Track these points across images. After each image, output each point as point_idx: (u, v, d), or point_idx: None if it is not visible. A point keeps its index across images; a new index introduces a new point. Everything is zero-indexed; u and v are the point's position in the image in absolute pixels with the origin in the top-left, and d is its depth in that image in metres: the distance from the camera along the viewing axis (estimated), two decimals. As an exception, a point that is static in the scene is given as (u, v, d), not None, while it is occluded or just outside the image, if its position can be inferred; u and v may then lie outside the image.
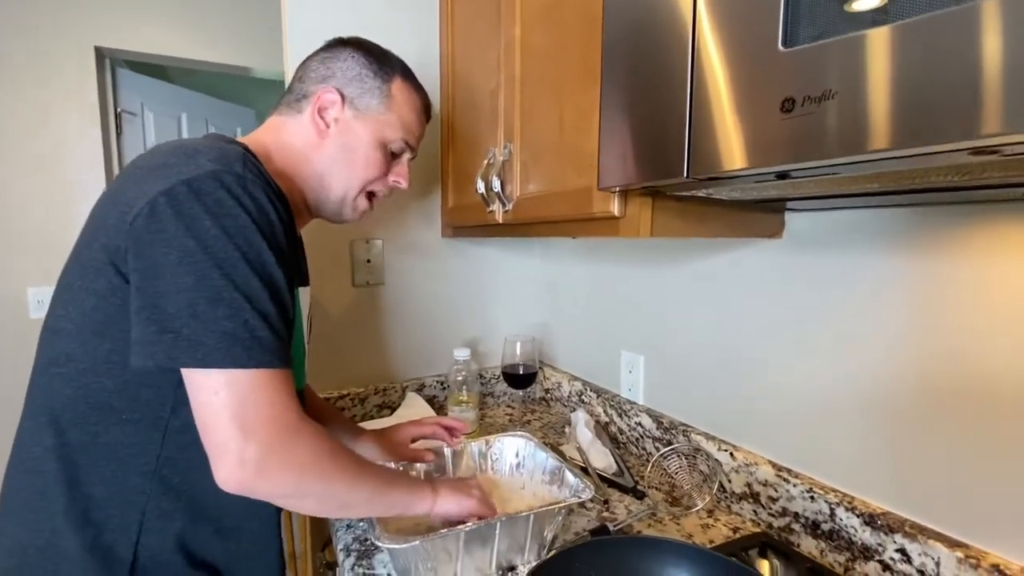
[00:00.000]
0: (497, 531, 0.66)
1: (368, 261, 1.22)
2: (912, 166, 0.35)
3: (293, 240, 0.66)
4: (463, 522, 0.65)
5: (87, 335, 0.53)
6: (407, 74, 0.74)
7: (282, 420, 0.50)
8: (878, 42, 0.32)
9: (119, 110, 2.24)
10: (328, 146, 0.69)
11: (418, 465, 0.86)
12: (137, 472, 0.54)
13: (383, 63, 0.71)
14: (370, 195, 0.75)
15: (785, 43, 0.38)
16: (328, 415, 0.89)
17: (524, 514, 0.66)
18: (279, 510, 0.67)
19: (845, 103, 0.34)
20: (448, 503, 0.67)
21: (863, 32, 0.33)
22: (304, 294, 0.71)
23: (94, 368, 0.53)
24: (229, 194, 0.51)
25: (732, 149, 0.43)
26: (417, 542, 0.60)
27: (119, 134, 2.23)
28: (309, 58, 0.72)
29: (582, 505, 0.86)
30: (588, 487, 0.72)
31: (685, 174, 0.47)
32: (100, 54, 2.16)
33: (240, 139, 0.64)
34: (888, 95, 0.32)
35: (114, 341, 0.52)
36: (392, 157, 0.74)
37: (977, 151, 0.31)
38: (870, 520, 0.67)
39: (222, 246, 0.49)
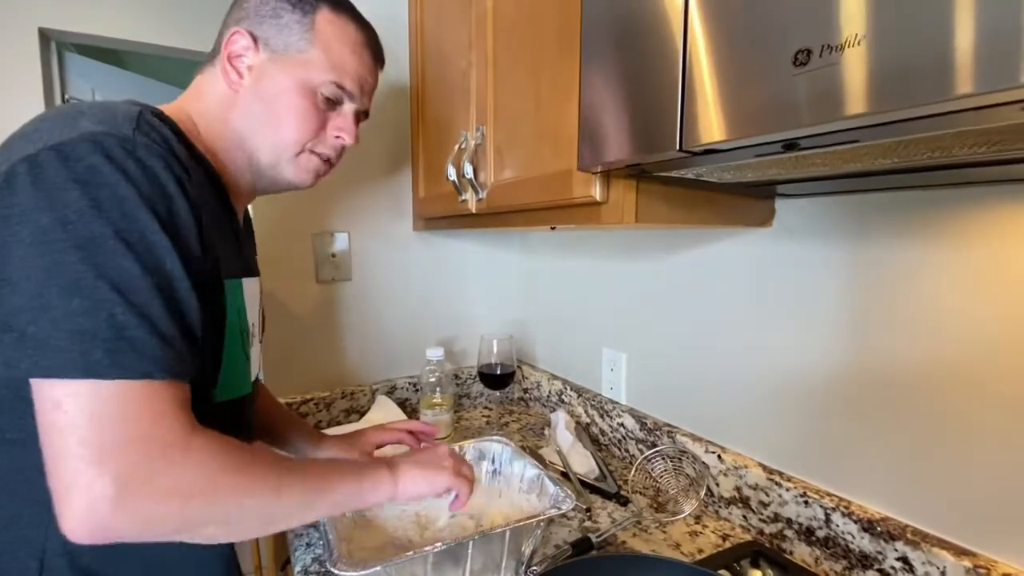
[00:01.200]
0: (470, 550, 0.59)
1: (333, 256, 1.14)
2: (947, 127, 0.30)
3: (229, 223, 0.57)
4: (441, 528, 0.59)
5: None
6: (339, 4, 0.59)
7: (153, 439, 0.39)
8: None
9: (67, 97, 2.10)
10: (243, 100, 0.56)
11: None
12: (29, 501, 0.45)
13: None
14: (311, 152, 0.61)
15: (797, -15, 0.32)
16: (284, 422, 0.81)
17: (499, 530, 0.60)
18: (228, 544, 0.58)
19: (875, 49, 0.28)
20: (415, 483, 0.58)
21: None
22: (250, 287, 0.62)
23: None
24: (108, 159, 0.40)
25: (732, 116, 0.37)
26: (378, 567, 0.53)
27: (67, 122, 2.09)
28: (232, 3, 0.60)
29: (563, 515, 0.80)
30: (569, 497, 0.66)
31: (678, 146, 0.41)
32: (44, 36, 2.01)
33: (161, 107, 0.53)
34: (936, 36, 0.26)
35: None
36: (330, 106, 0.60)
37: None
38: (868, 526, 0.63)
39: (87, 222, 0.39)
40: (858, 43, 0.29)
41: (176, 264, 0.43)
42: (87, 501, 0.37)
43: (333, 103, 0.60)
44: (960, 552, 0.56)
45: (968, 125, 0.29)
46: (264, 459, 0.47)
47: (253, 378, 0.63)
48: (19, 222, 0.39)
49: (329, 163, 0.63)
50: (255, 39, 0.56)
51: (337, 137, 0.61)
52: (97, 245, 0.39)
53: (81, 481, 0.37)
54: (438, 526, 0.70)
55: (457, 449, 0.83)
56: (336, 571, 0.53)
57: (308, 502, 0.49)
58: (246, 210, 0.68)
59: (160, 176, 0.43)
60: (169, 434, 0.40)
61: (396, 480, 0.57)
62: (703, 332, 0.86)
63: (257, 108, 0.56)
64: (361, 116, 0.64)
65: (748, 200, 0.71)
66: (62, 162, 0.40)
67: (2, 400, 0.44)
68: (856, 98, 0.29)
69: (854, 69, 0.29)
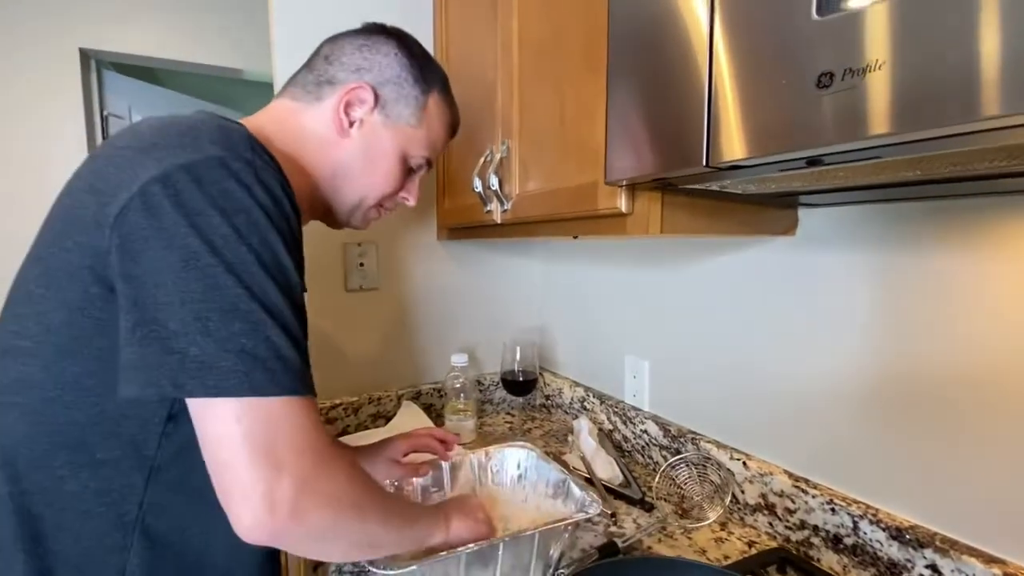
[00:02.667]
0: (500, 552, 0.61)
1: (361, 265, 1.18)
2: (968, 146, 0.31)
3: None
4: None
5: (51, 356, 0.44)
6: (446, 87, 0.67)
7: (316, 448, 0.43)
8: (934, 2, 0.28)
9: (105, 113, 2.20)
10: (348, 147, 0.61)
11: (415, 480, 0.81)
12: (115, 524, 0.46)
13: (426, 70, 0.64)
14: (379, 206, 0.68)
15: (820, 11, 0.34)
16: None
17: (528, 532, 0.62)
18: (275, 561, 0.60)
19: (896, 73, 0.30)
20: (461, 530, 0.61)
21: (916, -7, 0.29)
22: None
23: (61, 397, 0.44)
24: (239, 184, 0.42)
25: (757, 133, 0.39)
26: (415, 567, 0.56)
27: (105, 137, 2.18)
28: (341, 38, 0.63)
29: (589, 520, 0.81)
30: (595, 501, 0.68)
31: (704, 162, 0.43)
32: (85, 56, 2.11)
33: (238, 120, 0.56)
34: (960, 61, 0.27)
35: (86, 363, 0.44)
36: (408, 172, 0.67)
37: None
38: (897, 534, 0.63)
39: (234, 247, 0.41)
40: (879, 67, 0.31)
41: (299, 283, 0.46)
42: (269, 503, 0.39)
43: (413, 171, 0.68)
44: (989, 560, 0.56)
45: (988, 144, 0.30)
46: (374, 482, 0.51)
47: None
48: (166, 245, 0.40)
49: (383, 211, 0.70)
50: (377, 98, 0.61)
51: (404, 197, 0.69)
52: (246, 269, 0.41)
53: (260, 486, 0.39)
54: None
55: (484, 455, 0.85)
56: (375, 569, 0.55)
57: (401, 534, 0.53)
58: None
59: (280, 198, 0.46)
60: (323, 443, 0.44)
61: (448, 526, 0.60)
62: (726, 340, 0.87)
63: (359, 159, 0.61)
64: None
65: (771, 210, 0.72)
66: (197, 185, 0.41)
67: (102, 420, 0.45)
68: (877, 119, 0.31)
69: (875, 92, 0.31)
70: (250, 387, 0.40)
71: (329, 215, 0.67)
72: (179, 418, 0.46)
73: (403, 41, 0.63)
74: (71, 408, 0.44)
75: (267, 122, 0.60)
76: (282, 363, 0.42)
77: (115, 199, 0.42)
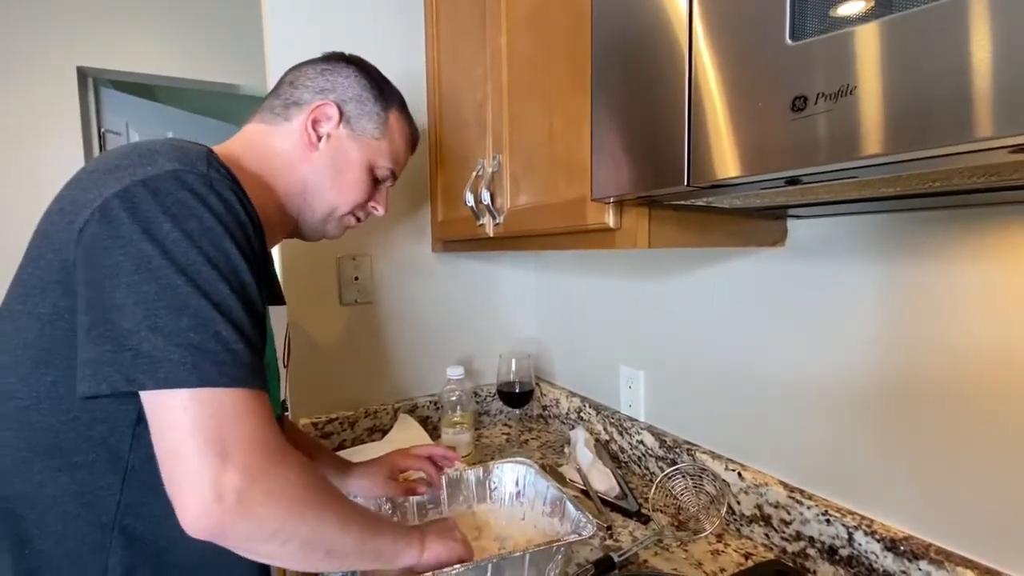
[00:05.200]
0: (489, 573, 0.61)
1: (356, 279, 1.18)
2: (941, 167, 0.32)
3: (264, 254, 0.61)
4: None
5: (27, 367, 0.46)
6: (403, 107, 0.73)
7: (263, 440, 0.43)
8: (903, 29, 0.29)
9: (103, 130, 2.21)
10: (317, 161, 0.65)
11: (412, 498, 0.81)
12: (94, 524, 0.47)
13: (384, 89, 0.70)
14: (351, 214, 0.72)
15: (793, 35, 0.34)
16: (312, 449, 0.83)
17: (518, 554, 0.61)
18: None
19: (867, 98, 0.30)
20: (437, 549, 0.60)
21: (885, 18, 0.29)
22: (277, 314, 0.66)
23: (37, 405, 0.46)
24: (192, 194, 0.45)
25: (736, 155, 0.39)
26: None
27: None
28: (303, 65, 0.68)
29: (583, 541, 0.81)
30: (590, 522, 0.67)
31: (686, 182, 0.43)
32: (82, 73, 2.13)
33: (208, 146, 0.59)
34: (921, 87, 0.28)
35: (59, 371, 0.46)
36: (376, 183, 0.71)
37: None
38: (892, 545, 0.63)
39: (184, 250, 0.43)
40: (851, 92, 0.31)
41: (253, 284, 0.47)
42: (215, 492, 0.40)
43: (379, 181, 0.72)
44: (984, 571, 0.56)
45: (956, 165, 0.31)
46: (332, 486, 0.50)
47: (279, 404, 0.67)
48: (122, 252, 0.42)
49: (359, 222, 0.74)
50: (342, 114, 0.65)
51: (374, 207, 0.73)
52: (196, 270, 0.43)
53: (207, 475, 0.40)
54: None
55: (482, 471, 0.85)
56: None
57: (361, 544, 0.51)
58: None
59: (235, 207, 0.48)
60: (274, 439, 0.44)
61: (423, 546, 0.60)
62: (721, 350, 0.87)
63: (327, 172, 0.65)
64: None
65: (760, 222, 0.72)
66: (152, 196, 0.44)
67: (75, 424, 0.46)
68: (851, 142, 0.31)
69: (848, 116, 0.31)
70: (198, 378, 0.41)
71: (299, 230, 0.70)
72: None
73: (361, 65, 0.69)
74: (46, 415, 0.46)
75: (237, 146, 0.64)
76: (231, 356, 0.43)
77: (79, 216, 0.45)
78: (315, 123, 0.64)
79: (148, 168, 0.45)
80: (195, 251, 0.43)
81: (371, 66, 0.71)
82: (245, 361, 0.44)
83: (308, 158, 0.64)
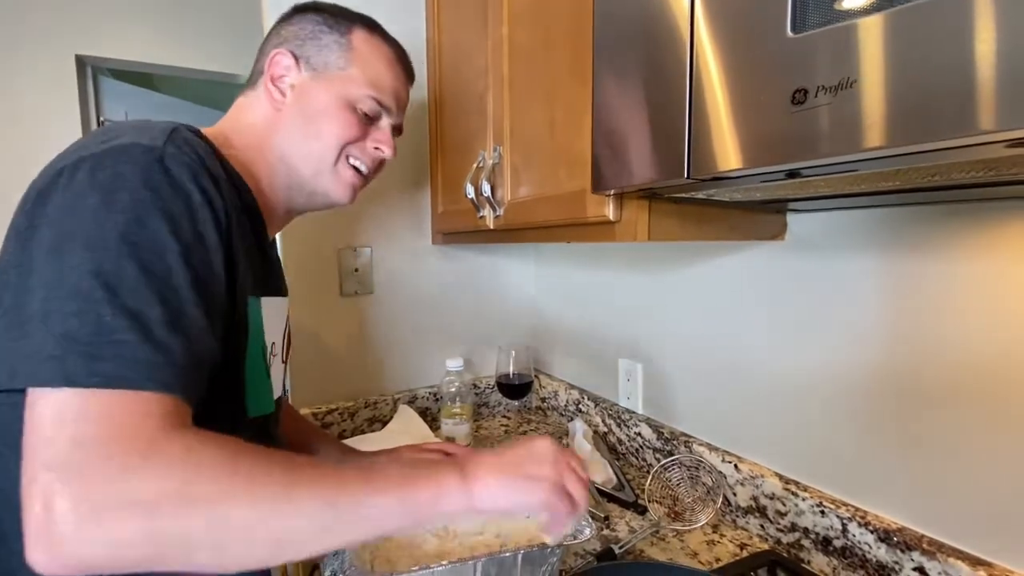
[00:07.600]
0: (478, 572, 0.58)
1: (356, 270, 1.18)
2: (940, 160, 0.32)
3: (257, 242, 0.58)
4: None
5: None
6: (372, 25, 0.64)
7: (123, 442, 0.34)
8: (904, 23, 0.29)
9: (102, 119, 2.20)
10: (286, 117, 0.59)
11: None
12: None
13: (340, 15, 0.62)
14: (347, 161, 0.63)
15: (794, 28, 0.34)
16: (313, 438, 0.82)
17: (508, 554, 0.59)
18: None
19: (867, 91, 0.30)
20: (492, 496, 0.44)
21: (885, 12, 0.29)
22: (274, 306, 0.63)
23: (7, 399, 0.41)
24: (134, 167, 0.41)
25: (736, 147, 0.39)
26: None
27: (102, 143, 2.19)
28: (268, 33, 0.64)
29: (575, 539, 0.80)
30: (588, 524, 0.66)
31: (686, 175, 0.43)
32: (81, 62, 2.12)
33: (202, 129, 0.56)
34: (922, 80, 0.28)
35: None
36: (369, 121, 0.63)
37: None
38: (885, 536, 0.64)
39: (99, 223, 0.38)
40: (851, 85, 0.31)
41: (184, 272, 0.41)
42: (46, 517, 0.32)
43: (372, 119, 0.63)
44: (976, 563, 0.56)
45: (955, 159, 0.31)
46: (272, 461, 0.39)
47: (276, 397, 0.63)
48: (48, 228, 0.39)
49: (365, 178, 0.66)
50: (297, 59, 0.60)
51: (376, 148, 0.64)
52: (102, 247, 0.38)
53: (37, 491, 0.33)
54: (458, 540, 0.68)
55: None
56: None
57: (330, 518, 0.38)
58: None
59: (185, 185, 0.43)
60: (133, 440, 0.35)
61: (470, 488, 0.44)
62: (719, 343, 0.88)
63: (300, 123, 0.59)
64: (396, 131, 0.67)
65: (760, 215, 0.73)
66: (90, 171, 0.40)
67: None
68: (850, 135, 0.32)
69: (848, 109, 0.31)
70: (61, 374, 0.35)
71: (302, 196, 0.64)
72: None
73: (315, 5, 0.63)
74: (15, 408, 0.40)
75: (226, 123, 0.61)
76: (112, 348, 0.36)
77: (29, 196, 0.43)
78: (276, 80, 0.60)
79: (103, 144, 0.42)
80: (110, 224, 0.38)
81: (325, 3, 0.64)
82: (137, 356, 0.36)
83: (278, 119, 0.60)
